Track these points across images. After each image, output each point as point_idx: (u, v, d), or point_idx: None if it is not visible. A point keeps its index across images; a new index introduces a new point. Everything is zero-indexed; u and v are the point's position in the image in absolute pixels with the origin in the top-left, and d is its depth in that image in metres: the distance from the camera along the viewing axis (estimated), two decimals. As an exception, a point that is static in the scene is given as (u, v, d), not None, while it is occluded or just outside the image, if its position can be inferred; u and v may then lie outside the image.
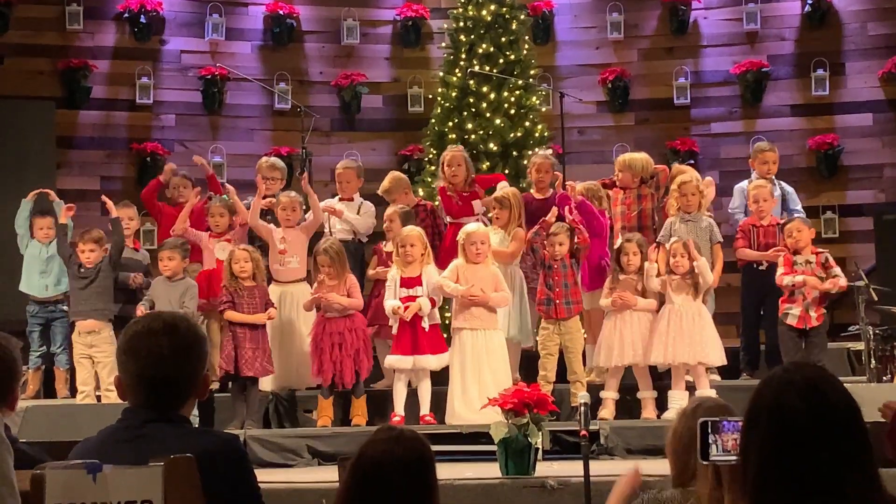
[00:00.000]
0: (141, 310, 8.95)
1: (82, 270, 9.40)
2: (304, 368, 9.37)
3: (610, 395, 9.02)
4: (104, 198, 9.90)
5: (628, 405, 9.06)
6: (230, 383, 9.16)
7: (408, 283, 9.00)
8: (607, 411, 8.93)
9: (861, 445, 2.49)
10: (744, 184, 10.29)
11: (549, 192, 9.94)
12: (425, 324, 8.97)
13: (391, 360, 9.00)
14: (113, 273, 9.47)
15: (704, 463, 2.90)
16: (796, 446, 2.46)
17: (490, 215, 9.74)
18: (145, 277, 9.85)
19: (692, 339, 8.86)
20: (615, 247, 9.32)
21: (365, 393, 9.10)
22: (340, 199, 10.29)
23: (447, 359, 8.99)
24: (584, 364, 9.32)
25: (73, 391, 9.58)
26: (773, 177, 10.28)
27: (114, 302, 9.48)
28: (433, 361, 8.97)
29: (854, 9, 13.10)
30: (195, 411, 7.81)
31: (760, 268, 9.64)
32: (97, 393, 9.26)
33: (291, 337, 9.51)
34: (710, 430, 2.86)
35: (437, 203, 10.29)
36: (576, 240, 9.18)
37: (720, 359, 9.03)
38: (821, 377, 2.55)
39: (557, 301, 9.08)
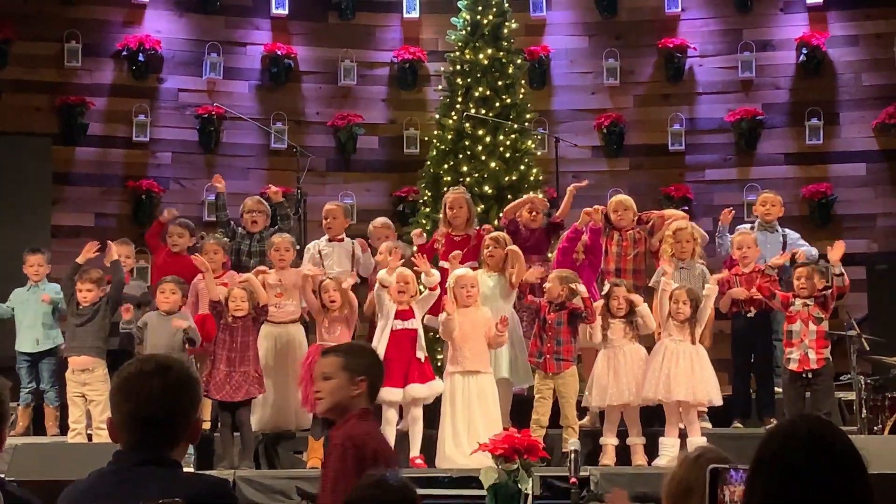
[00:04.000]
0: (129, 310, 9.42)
1: (80, 308, 9.39)
2: (297, 409, 9.35)
3: (610, 441, 8.99)
4: (109, 242, 9.83)
5: (618, 451, 9.03)
6: (219, 423, 9.14)
7: (402, 315, 9.02)
8: (608, 458, 8.91)
9: (865, 498, 2.49)
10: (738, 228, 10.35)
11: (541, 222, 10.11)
12: (420, 354, 8.97)
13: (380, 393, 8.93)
14: (111, 313, 9.47)
15: None
16: (801, 498, 2.46)
17: (484, 254, 9.69)
18: (139, 308, 9.87)
19: (688, 377, 8.85)
20: (603, 291, 9.33)
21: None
22: (329, 240, 10.26)
23: (438, 388, 8.96)
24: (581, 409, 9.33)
25: (63, 429, 9.55)
26: (776, 221, 10.37)
27: (109, 338, 9.47)
28: (423, 390, 8.93)
29: (848, 59, 13.19)
30: (191, 450, 7.80)
31: (748, 314, 9.66)
32: (88, 431, 9.23)
33: (285, 378, 9.48)
34: (718, 481, 2.84)
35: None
36: (584, 312, 9.11)
37: (717, 398, 9.01)
38: (826, 430, 2.54)
39: (547, 356, 9.06)
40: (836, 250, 9.33)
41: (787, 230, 10.49)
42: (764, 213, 10.43)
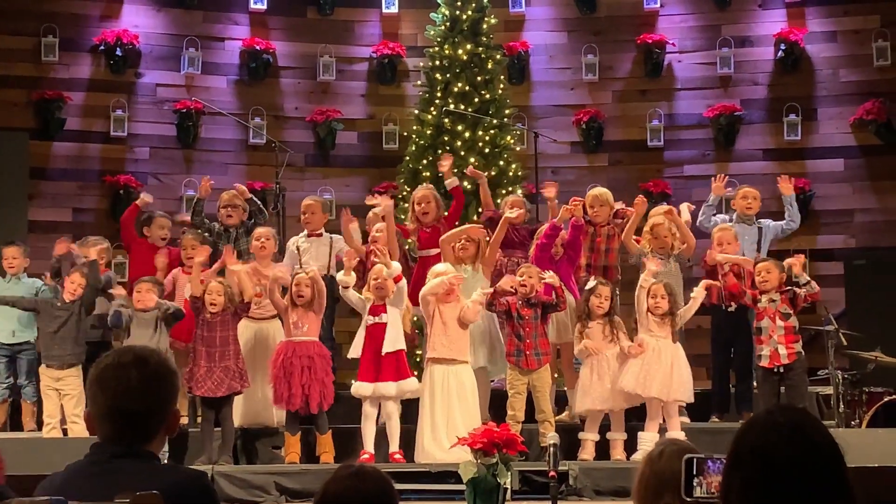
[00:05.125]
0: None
1: (58, 306, 9.30)
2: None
3: (589, 436, 9.00)
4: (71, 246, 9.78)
5: (597, 446, 9.04)
6: (198, 418, 9.11)
7: (374, 310, 9.01)
8: (587, 453, 8.92)
9: (843, 489, 2.49)
10: (716, 218, 10.37)
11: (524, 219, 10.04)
12: (392, 347, 8.95)
13: (353, 388, 8.98)
14: (85, 314, 9.37)
15: (688, 500, 2.87)
16: (779, 489, 2.45)
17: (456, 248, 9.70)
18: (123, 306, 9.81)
19: (666, 375, 8.86)
20: (587, 287, 9.29)
21: (330, 429, 9.06)
22: (309, 235, 10.24)
23: (411, 385, 8.95)
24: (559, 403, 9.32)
25: (40, 424, 9.50)
26: (754, 216, 10.38)
27: (86, 342, 9.40)
28: (391, 389, 8.91)
29: (826, 55, 13.23)
30: (165, 447, 7.75)
31: (729, 309, 9.66)
32: (63, 426, 9.19)
33: (264, 374, 9.45)
34: (694, 470, 2.82)
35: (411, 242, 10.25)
36: (555, 301, 9.12)
37: (689, 397, 9.04)
38: (805, 421, 2.54)
39: (528, 352, 9.02)
40: (796, 265, 9.36)
41: (762, 220, 10.50)
42: (745, 206, 10.42)
